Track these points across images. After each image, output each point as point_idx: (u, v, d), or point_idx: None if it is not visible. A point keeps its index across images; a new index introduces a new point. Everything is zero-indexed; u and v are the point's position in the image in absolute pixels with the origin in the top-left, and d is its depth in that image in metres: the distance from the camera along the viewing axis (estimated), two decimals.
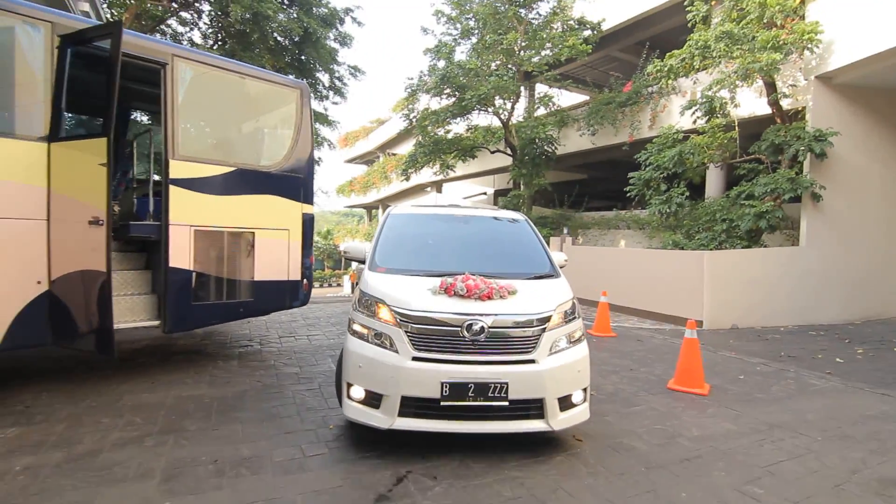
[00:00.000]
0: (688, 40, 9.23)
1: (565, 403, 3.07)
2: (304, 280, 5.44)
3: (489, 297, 3.09)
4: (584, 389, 3.21)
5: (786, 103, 9.01)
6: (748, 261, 8.34)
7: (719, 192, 11.40)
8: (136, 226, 4.51)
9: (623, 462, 3.12)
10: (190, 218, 4.47)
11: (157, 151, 4.74)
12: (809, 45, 8.10)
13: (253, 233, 4.95)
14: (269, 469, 2.89)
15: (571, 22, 13.79)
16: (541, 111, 15.99)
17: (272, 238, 5.10)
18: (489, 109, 14.45)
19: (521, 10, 13.69)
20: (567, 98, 19.23)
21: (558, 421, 3.03)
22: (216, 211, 4.66)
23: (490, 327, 2.98)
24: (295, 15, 15.02)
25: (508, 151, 15.53)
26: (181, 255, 4.42)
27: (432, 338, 3.01)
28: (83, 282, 3.73)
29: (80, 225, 3.61)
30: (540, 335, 3.05)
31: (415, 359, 2.97)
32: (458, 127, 16.15)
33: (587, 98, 20.30)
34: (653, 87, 12.49)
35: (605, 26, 14.10)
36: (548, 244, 4.55)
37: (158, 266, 4.57)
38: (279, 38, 15.12)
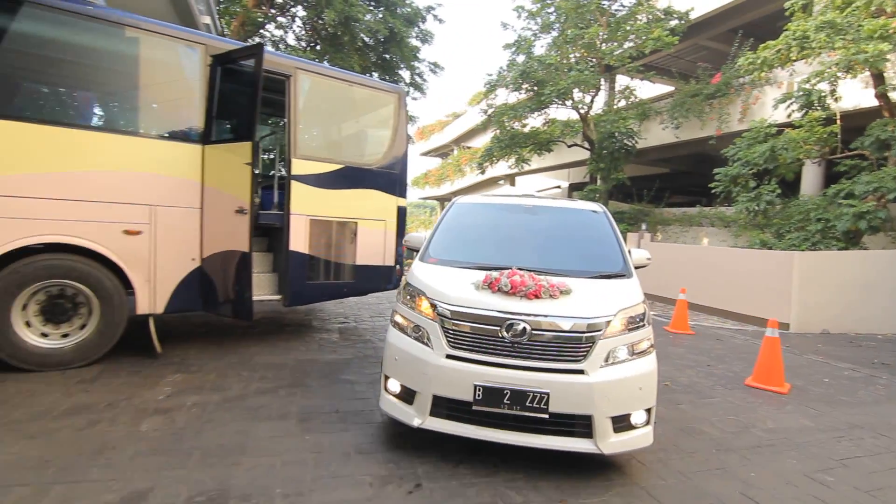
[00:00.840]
0: (784, 29, 8.81)
1: (621, 424, 2.69)
2: (397, 265, 6.05)
3: (536, 296, 2.80)
4: (648, 410, 2.77)
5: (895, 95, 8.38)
6: (845, 263, 7.93)
7: (816, 190, 10.77)
8: (264, 214, 5.30)
9: (694, 443, 3.37)
10: (307, 209, 5.19)
11: (273, 150, 5.51)
12: None
13: (356, 222, 5.61)
14: (379, 419, 3.46)
15: (657, 12, 13.42)
16: (621, 103, 15.72)
17: (372, 227, 5.74)
18: (567, 103, 14.46)
19: (605, 2, 13.54)
20: (649, 89, 18.65)
21: (610, 444, 2.64)
22: (327, 203, 5.35)
23: (533, 329, 2.71)
24: (381, 16, 15.80)
25: (586, 145, 15.45)
26: (299, 240, 5.15)
27: (469, 335, 2.80)
28: (228, 260, 4.52)
29: (228, 213, 4.39)
30: (592, 342, 2.70)
31: (449, 356, 2.80)
32: (534, 121, 16.28)
33: (671, 89, 19.57)
34: (744, 78, 11.93)
35: (693, 15, 13.61)
36: (626, 240, 4.51)
37: (279, 249, 5.34)
38: (366, 39, 15.99)
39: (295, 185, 5.10)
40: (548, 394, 2.61)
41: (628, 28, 12.94)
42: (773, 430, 3.67)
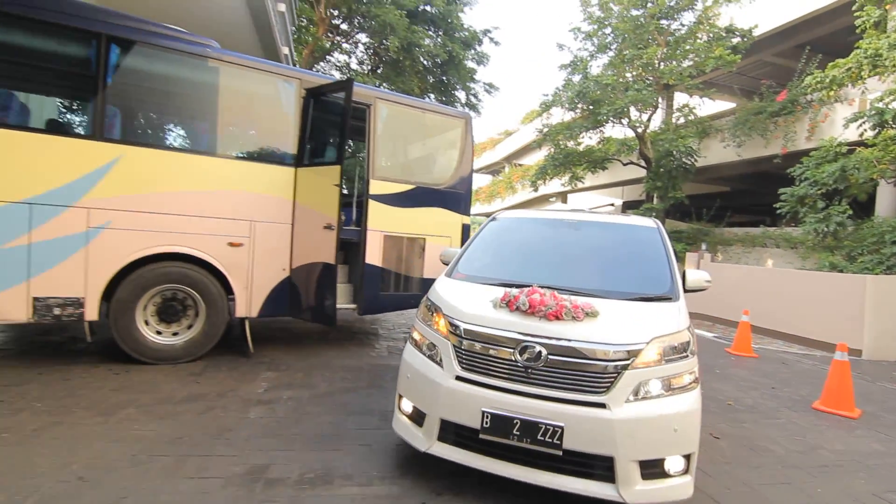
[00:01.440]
0: (856, 46, 8.61)
1: (652, 470, 2.37)
2: None
3: (557, 317, 2.55)
4: (687, 457, 2.43)
5: None
6: None
7: (892, 211, 10.25)
8: (343, 230, 5.81)
9: (759, 459, 3.47)
10: (381, 225, 5.66)
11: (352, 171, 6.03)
12: None
13: (424, 238, 6.02)
14: None
15: (719, 31, 13.30)
16: (680, 121, 15.55)
17: (438, 243, 6.12)
18: (624, 122, 14.48)
19: (664, 21, 13.57)
20: (710, 106, 18.30)
21: (635, 492, 2.32)
22: (399, 220, 5.80)
23: (550, 354, 2.46)
24: (440, 40, 16.48)
25: (642, 163, 15.36)
26: (374, 254, 5.61)
27: (481, 356, 2.60)
28: (314, 271, 5.03)
29: (317, 229, 4.90)
30: (618, 373, 2.40)
31: (458, 378, 2.61)
32: (589, 139, 16.36)
33: (733, 105, 19.10)
34: (811, 95, 11.60)
35: (757, 31, 13.37)
36: (683, 260, 4.40)
37: (355, 262, 5.82)
38: (425, 63, 16.71)
39: (372, 203, 5.58)
40: (562, 427, 2.32)
41: (688, 48, 12.89)
42: (841, 452, 3.69)
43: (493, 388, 2.51)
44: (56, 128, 4.52)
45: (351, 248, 5.96)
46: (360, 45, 18.92)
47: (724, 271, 10.38)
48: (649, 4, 13.35)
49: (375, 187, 5.61)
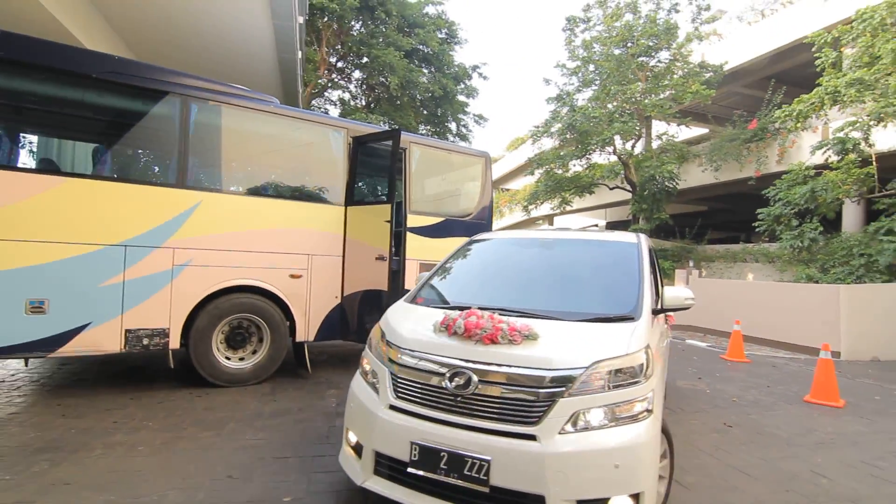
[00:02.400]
0: (817, 83, 9.76)
1: None
2: None
3: (492, 341, 2.38)
4: (636, 497, 2.13)
5: None
6: (890, 295, 8.51)
7: (857, 227, 11.36)
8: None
9: (768, 440, 4.17)
10: (418, 254, 6.31)
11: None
12: None
13: None
14: None
15: (692, 66, 14.58)
16: (657, 143, 16.76)
17: None
18: (609, 149, 15.57)
19: (643, 59, 14.80)
20: (685, 132, 19.66)
21: None
22: (432, 249, 6.46)
23: (481, 380, 2.29)
24: (434, 77, 17.49)
25: (627, 187, 16.43)
26: (412, 281, 6.24)
27: (414, 384, 2.45)
28: (365, 297, 5.63)
29: (370, 260, 5.53)
30: (550, 401, 2.18)
31: (392, 407, 2.45)
32: (577, 166, 17.44)
33: (705, 131, 20.51)
34: (779, 124, 12.83)
35: (727, 66, 14.69)
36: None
37: (395, 288, 6.43)
38: (421, 98, 17.69)
39: (410, 235, 6.25)
40: (489, 462, 2.12)
41: (667, 83, 14.10)
42: (832, 433, 4.42)
43: (423, 418, 2.33)
44: (146, 178, 5.09)
45: (391, 276, 6.58)
46: (353, 81, 19.88)
47: (712, 286, 11.27)
48: (629, 45, 14.57)
49: (412, 221, 6.28)
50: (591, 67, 15.75)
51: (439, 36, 18.02)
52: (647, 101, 14.46)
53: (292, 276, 5.46)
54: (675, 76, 14.42)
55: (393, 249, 5.57)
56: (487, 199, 7.19)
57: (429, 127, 19.22)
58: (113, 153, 4.97)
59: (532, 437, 2.14)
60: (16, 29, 4.92)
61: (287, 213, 5.51)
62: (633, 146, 15.54)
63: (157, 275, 4.78)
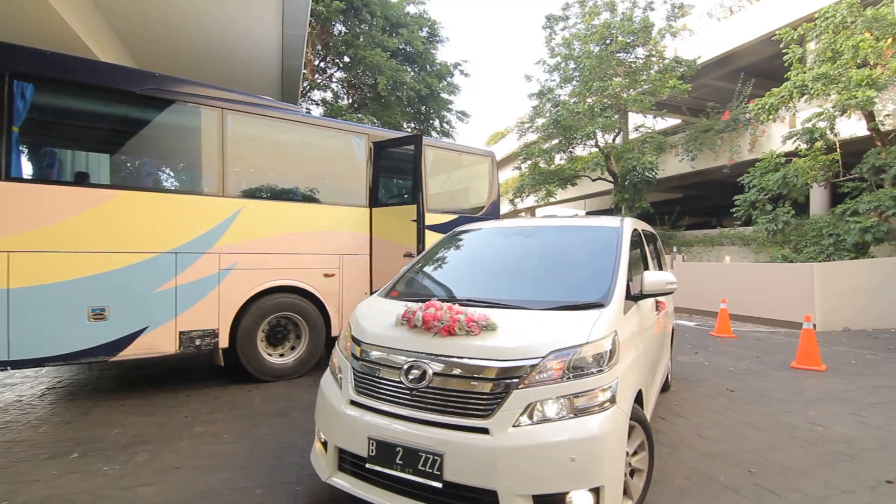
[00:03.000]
0: (785, 77, 10.54)
1: None
2: None
3: (450, 332, 2.33)
4: (596, 492, 2.07)
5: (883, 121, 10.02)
6: (857, 271, 9.36)
7: (823, 209, 12.29)
8: None
9: (767, 400, 4.78)
10: None
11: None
12: None
13: None
14: None
15: (667, 61, 15.33)
16: (634, 135, 17.54)
17: None
18: (591, 142, 16.25)
19: (622, 55, 15.48)
20: (660, 123, 20.55)
21: None
22: None
23: (436, 373, 2.25)
24: (417, 75, 17.81)
25: (609, 178, 17.16)
26: None
27: (373, 379, 2.44)
28: None
29: (398, 257, 5.93)
30: (504, 394, 2.13)
31: (352, 402, 2.45)
32: (560, 159, 18.09)
33: (679, 121, 21.44)
34: (749, 114, 13.69)
35: (699, 61, 15.48)
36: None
37: None
38: (406, 97, 18.00)
39: (428, 232, 6.66)
40: (441, 456, 2.09)
41: (645, 78, 14.81)
42: (819, 392, 5.08)
43: (381, 413, 2.32)
44: (191, 188, 5.34)
45: None
46: (335, 81, 20.03)
47: (695, 269, 12.05)
48: (608, 41, 15.21)
49: (430, 218, 6.69)
50: (572, 64, 16.37)
51: (421, 35, 18.32)
52: (625, 95, 15.16)
53: (326, 275, 5.83)
54: (651, 71, 15.15)
55: (422, 246, 5.99)
56: (495, 195, 7.65)
57: (413, 125, 19.55)
58: (159, 166, 5.23)
59: (485, 431, 2.08)
60: (34, 40, 5.14)
61: (319, 216, 5.86)
62: (614, 139, 16.26)
63: (205, 279, 5.09)
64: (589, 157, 17.82)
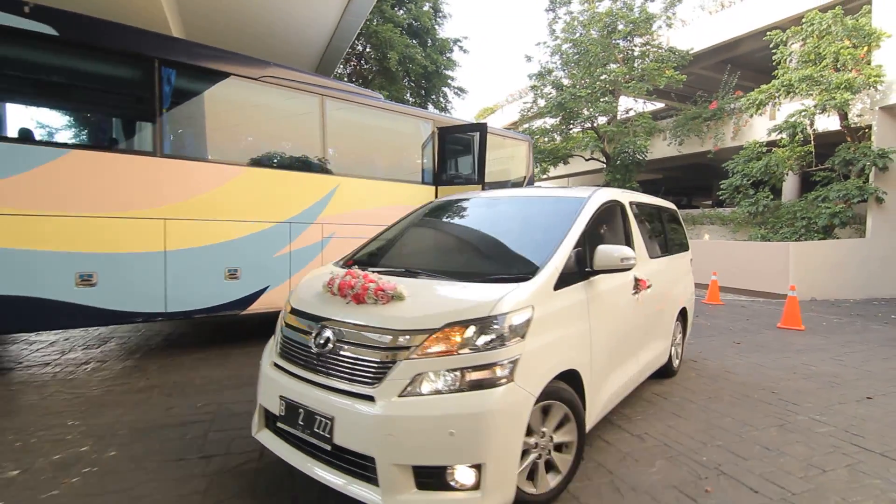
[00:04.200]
0: (773, 75, 11.81)
1: (431, 480, 2.05)
2: None
3: (360, 300, 2.38)
4: (477, 468, 2.04)
5: (854, 120, 11.50)
6: (824, 249, 10.91)
7: (795, 195, 13.85)
8: None
9: (767, 350, 6.07)
10: None
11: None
12: (875, 84, 10.56)
13: None
14: None
15: (662, 51, 16.40)
16: (623, 116, 18.74)
17: None
18: (589, 125, 17.33)
19: (621, 42, 16.45)
20: (647, 107, 21.77)
21: (399, 501, 2.00)
22: None
23: (338, 340, 2.30)
24: (424, 50, 18.28)
25: (602, 158, 18.35)
26: None
27: (292, 342, 2.53)
28: None
29: None
30: (392, 363, 2.14)
31: (275, 364, 2.57)
32: (556, 138, 19.11)
33: (664, 105, 22.75)
34: (735, 104, 15.02)
35: (691, 52, 16.64)
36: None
37: None
38: (414, 73, 18.48)
39: None
40: (332, 420, 2.15)
41: (642, 66, 15.87)
42: (803, 344, 6.43)
43: (292, 376, 2.41)
44: (301, 167, 6.04)
45: None
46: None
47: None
48: (609, 29, 16.13)
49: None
50: (573, 48, 17.22)
51: (424, 9, 18.69)
52: (624, 82, 16.21)
53: None
54: (647, 60, 16.22)
55: None
56: (531, 173, 8.68)
57: (415, 99, 20.07)
58: (277, 146, 5.92)
59: (371, 399, 2.10)
60: (121, 11, 5.69)
61: (396, 192, 6.72)
62: (609, 122, 17.37)
63: (312, 246, 5.93)
64: (580, 137, 18.92)
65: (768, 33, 12.24)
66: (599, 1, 16.67)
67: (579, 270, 2.73)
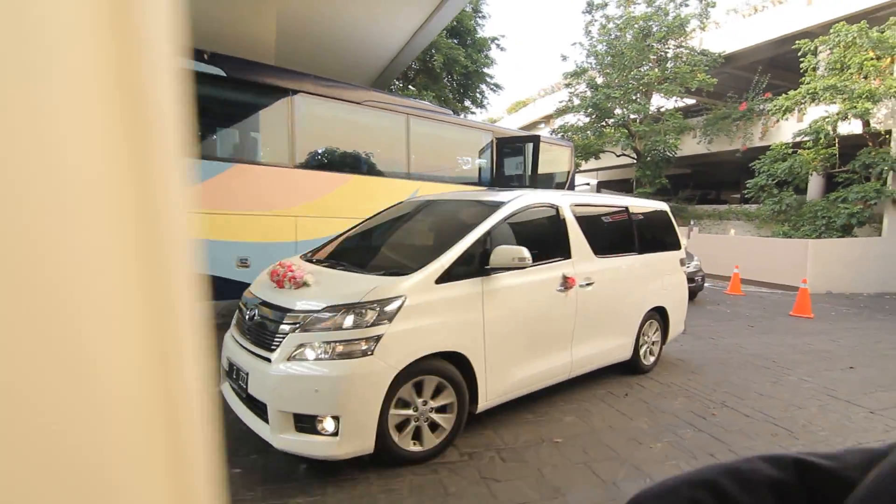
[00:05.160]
0: (801, 82, 12.61)
1: (305, 424, 2.58)
2: None
3: (280, 286, 2.97)
4: (336, 419, 2.53)
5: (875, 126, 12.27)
6: (841, 247, 11.80)
7: (818, 194, 14.63)
8: None
9: (780, 332, 7.20)
10: None
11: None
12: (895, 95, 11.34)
13: None
14: None
15: (697, 56, 17.15)
16: (658, 110, 19.53)
17: None
18: (620, 122, 18.25)
19: (656, 45, 17.27)
20: (677, 104, 22.44)
21: (282, 439, 2.57)
22: None
23: (259, 315, 2.93)
24: (466, 51, 19.35)
25: (633, 154, 19.25)
26: None
27: (240, 316, 3.18)
28: None
29: None
30: (284, 335, 2.69)
31: (231, 334, 3.17)
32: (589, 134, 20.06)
33: (694, 101, 23.38)
34: (763, 106, 15.76)
35: (723, 54, 17.33)
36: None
37: None
38: (458, 73, 19.61)
39: None
40: (247, 375, 2.75)
41: (675, 69, 16.68)
42: (810, 329, 7.53)
43: (236, 342, 3.02)
44: (390, 173, 7.33)
45: None
46: None
47: (709, 240, 14.43)
48: (644, 33, 16.96)
49: None
50: (608, 49, 18.07)
51: (466, 10, 19.69)
52: (657, 83, 17.04)
53: None
54: (680, 62, 17.00)
55: None
56: (573, 174, 9.87)
57: (454, 96, 21.20)
58: (374, 157, 7.26)
59: (269, 360, 2.66)
60: (239, 37, 7.01)
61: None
62: (640, 121, 18.24)
63: None
64: (611, 133, 19.81)
65: (797, 41, 12.99)
66: (635, 4, 17.47)
67: (477, 267, 3.06)
